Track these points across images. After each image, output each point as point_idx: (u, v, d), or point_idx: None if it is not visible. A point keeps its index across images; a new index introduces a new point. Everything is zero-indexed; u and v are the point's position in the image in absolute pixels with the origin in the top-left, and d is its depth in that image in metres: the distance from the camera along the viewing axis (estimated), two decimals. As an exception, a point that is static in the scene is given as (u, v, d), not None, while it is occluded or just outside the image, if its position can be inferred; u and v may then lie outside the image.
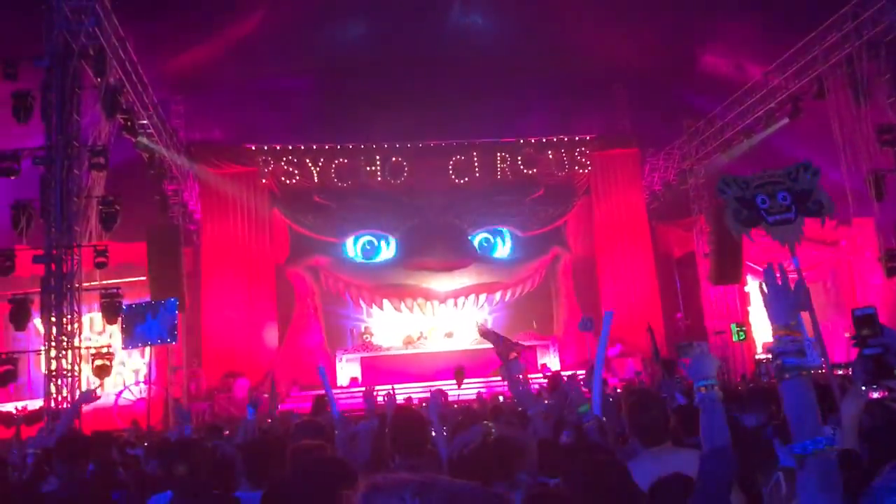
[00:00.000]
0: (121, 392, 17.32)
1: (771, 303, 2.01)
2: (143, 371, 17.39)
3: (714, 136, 20.16)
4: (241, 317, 19.88)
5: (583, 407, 3.79)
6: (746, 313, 20.79)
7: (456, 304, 21.71)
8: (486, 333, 15.47)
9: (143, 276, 16.87)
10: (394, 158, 21.57)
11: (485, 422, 2.64)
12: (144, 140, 16.08)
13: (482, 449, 2.34)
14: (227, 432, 7.37)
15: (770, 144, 18.90)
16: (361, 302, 21.55)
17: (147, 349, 14.07)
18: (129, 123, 14.32)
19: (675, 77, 21.72)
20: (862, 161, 14.63)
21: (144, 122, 15.99)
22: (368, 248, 21.81)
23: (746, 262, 19.83)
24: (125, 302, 13.50)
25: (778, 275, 2.02)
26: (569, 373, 14.29)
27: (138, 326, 13.53)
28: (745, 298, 20.96)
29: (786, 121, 17.24)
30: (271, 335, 20.60)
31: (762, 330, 19.99)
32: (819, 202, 4.18)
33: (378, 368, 20.06)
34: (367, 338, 20.96)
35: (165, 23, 17.47)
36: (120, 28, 13.90)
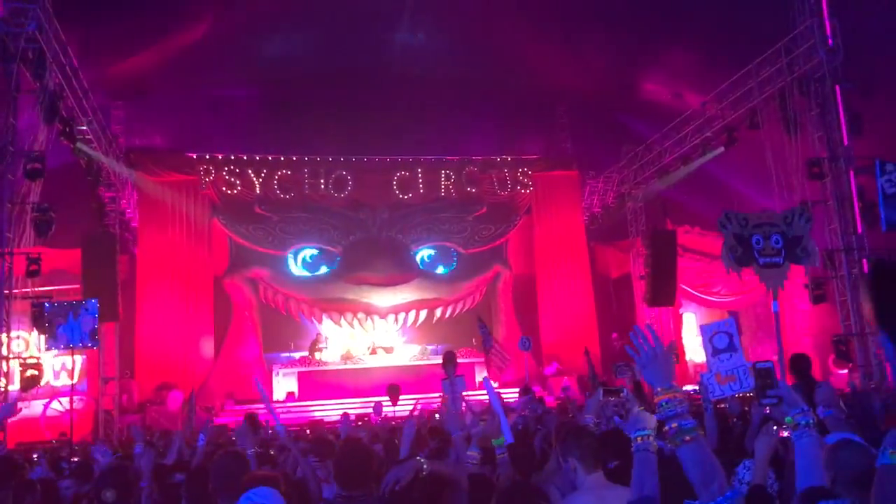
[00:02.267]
0: (49, 403, 16.81)
1: (647, 367, 2.00)
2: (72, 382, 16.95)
3: (652, 162, 20.67)
4: (176, 327, 19.52)
5: (497, 440, 3.80)
6: (680, 336, 21.29)
7: (397, 320, 21.72)
8: (482, 327, 15.60)
9: (78, 283, 16.50)
10: (338, 172, 21.53)
11: (417, 457, 2.68)
12: (82, 146, 15.75)
13: (413, 485, 2.39)
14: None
15: (706, 172, 19.47)
16: (301, 315, 21.38)
17: (77, 358, 13.80)
18: (67, 129, 14.03)
19: (617, 102, 22.23)
20: (792, 192, 15.16)
21: (83, 127, 15.67)
22: (310, 261, 21.69)
23: (681, 284, 20.35)
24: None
25: (650, 338, 2.01)
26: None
27: (60, 327, 13.23)
28: (679, 321, 21.48)
29: (721, 149, 17.78)
30: (207, 347, 20.28)
31: (695, 352, 20.50)
32: (807, 250, 4.38)
33: (316, 383, 19.93)
34: (322, 346, 20.77)
35: (109, 28, 17.15)
36: (61, 32, 13.62)
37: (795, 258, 4.39)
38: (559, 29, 20.06)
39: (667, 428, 1.92)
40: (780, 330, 18.18)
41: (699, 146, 18.57)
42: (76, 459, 7.28)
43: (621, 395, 3.99)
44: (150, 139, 21.32)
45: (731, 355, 2.78)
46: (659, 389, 1.96)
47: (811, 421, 2.32)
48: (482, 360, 21.04)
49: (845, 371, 15.68)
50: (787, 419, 2.33)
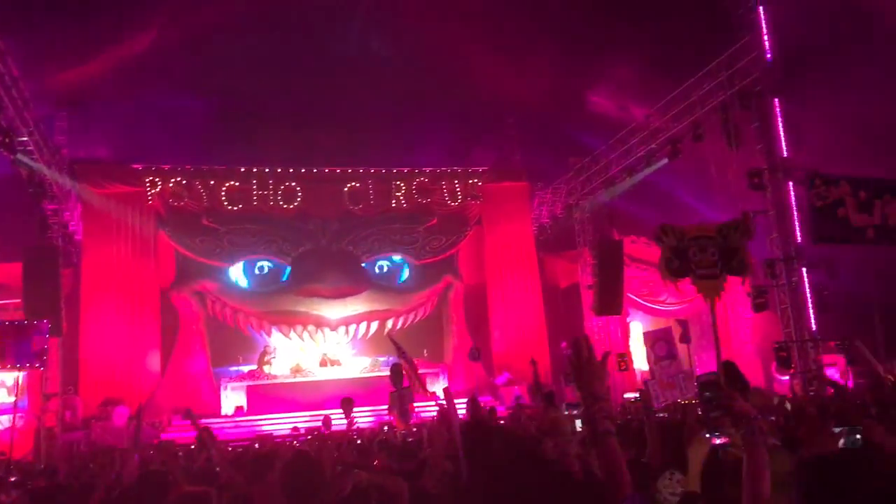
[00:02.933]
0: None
1: (577, 374, 2.13)
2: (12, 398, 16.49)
3: (599, 173, 20.98)
4: (122, 342, 19.14)
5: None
6: (627, 344, 21.60)
7: (347, 332, 21.61)
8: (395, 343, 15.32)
9: (18, 297, 16.08)
10: (287, 183, 21.38)
11: (355, 469, 2.70)
12: (23, 157, 15.39)
13: (353, 498, 2.41)
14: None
15: (652, 183, 19.84)
16: (250, 328, 21.13)
17: (19, 374, 13.43)
18: (6, 139, 13.69)
19: (565, 115, 22.55)
20: (735, 202, 15.53)
21: (24, 138, 15.29)
22: (259, 273, 21.46)
23: (628, 294, 20.66)
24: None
25: (584, 349, 2.15)
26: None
27: (6, 347, 12.87)
28: (626, 329, 21.79)
29: (665, 161, 18.14)
30: (154, 361, 19.91)
31: (643, 361, 20.79)
32: (743, 262, 4.51)
33: (265, 397, 19.72)
34: (270, 359, 20.55)
35: (51, 37, 16.83)
36: (0, 41, 13.32)
37: (731, 270, 4.54)
38: (508, 42, 20.31)
39: (589, 430, 2.08)
40: (724, 338, 18.64)
41: (644, 158, 18.92)
42: (13, 479, 7.09)
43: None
44: (95, 150, 20.91)
45: (670, 362, 2.86)
46: (583, 395, 2.09)
47: (755, 429, 2.37)
48: (437, 369, 21.11)
49: (787, 377, 16.07)
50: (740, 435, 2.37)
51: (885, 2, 15.37)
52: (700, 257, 4.52)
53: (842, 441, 3.16)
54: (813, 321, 14.63)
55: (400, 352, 12.44)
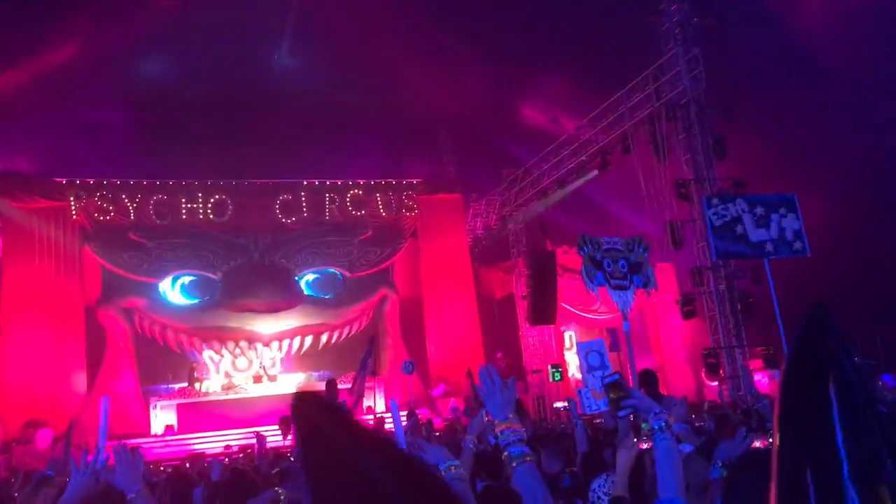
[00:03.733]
0: None
1: (489, 400, 2.18)
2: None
3: (531, 185, 21.20)
4: (45, 361, 18.44)
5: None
6: (562, 353, 21.84)
7: (281, 347, 21.30)
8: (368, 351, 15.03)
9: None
10: (217, 196, 21.00)
11: (276, 488, 2.65)
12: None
13: None
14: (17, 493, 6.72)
15: (583, 194, 20.16)
16: (179, 346, 20.64)
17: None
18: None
19: (497, 127, 22.77)
20: (663, 211, 15.89)
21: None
22: (188, 288, 20.98)
23: (562, 303, 20.88)
24: None
25: (491, 376, 2.20)
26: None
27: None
28: (560, 339, 22.03)
29: (595, 173, 18.44)
30: (80, 381, 19.24)
31: (577, 370, 21.04)
32: (647, 276, 4.62)
33: (197, 415, 19.26)
34: (201, 376, 20.08)
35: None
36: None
37: (639, 283, 4.69)
38: (439, 55, 20.41)
39: (505, 454, 2.12)
40: (656, 345, 19.01)
41: (575, 169, 19.20)
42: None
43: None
44: (16, 163, 20.22)
45: (603, 372, 2.92)
46: (497, 421, 2.13)
47: (665, 423, 2.42)
48: (372, 383, 20.91)
49: (716, 383, 16.47)
50: (644, 426, 2.43)
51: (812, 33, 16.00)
52: (613, 269, 4.66)
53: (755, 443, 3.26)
54: (740, 328, 15.03)
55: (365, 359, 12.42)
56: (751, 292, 14.90)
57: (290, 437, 10.05)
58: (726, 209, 13.78)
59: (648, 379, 6.52)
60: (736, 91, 17.06)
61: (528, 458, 2.09)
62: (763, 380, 17.00)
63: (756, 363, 15.81)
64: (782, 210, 13.66)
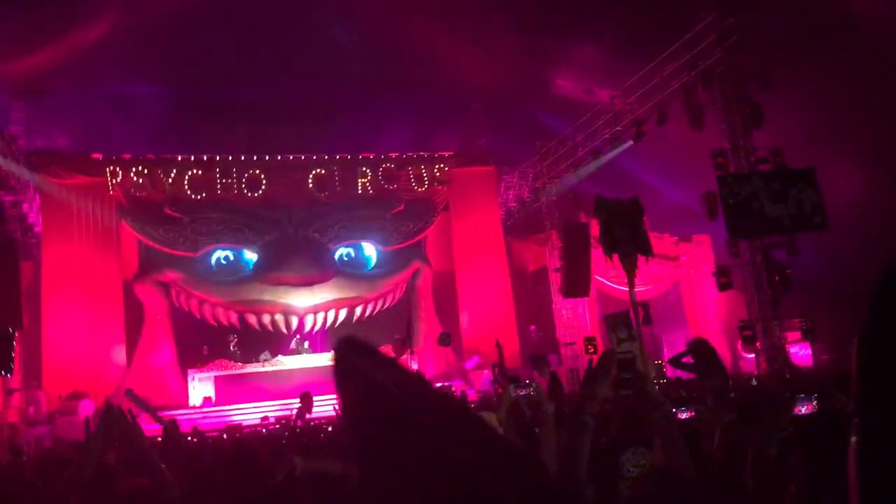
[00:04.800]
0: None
1: (590, 377, 2.31)
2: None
3: (565, 156, 21.00)
4: (85, 335, 18.84)
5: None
6: (596, 326, 21.73)
7: (316, 320, 21.48)
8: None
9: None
10: (251, 171, 21.13)
11: (296, 457, 2.66)
12: (-23, 148, 15.03)
13: (285, 484, 2.35)
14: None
15: (618, 165, 19.93)
16: (215, 319, 20.90)
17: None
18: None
19: (530, 98, 22.54)
20: (699, 182, 15.65)
21: (-23, 128, 14.93)
22: (224, 262, 21.22)
23: (595, 276, 20.76)
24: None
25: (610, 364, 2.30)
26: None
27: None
28: (594, 311, 21.91)
29: (630, 143, 18.22)
30: (119, 354, 19.63)
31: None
32: (644, 243, 4.54)
33: (233, 387, 19.55)
34: (237, 349, 20.35)
35: (3, 26, 16.40)
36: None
37: (639, 248, 4.60)
38: (471, 26, 20.20)
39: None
40: (691, 317, 18.85)
41: (609, 140, 18.98)
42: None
43: (530, 389, 4.02)
44: (54, 140, 20.52)
45: (630, 344, 2.89)
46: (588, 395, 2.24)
47: (669, 412, 2.44)
48: (406, 355, 21.05)
49: (752, 355, 16.30)
50: (651, 417, 2.41)
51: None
52: (621, 233, 4.57)
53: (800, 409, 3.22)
54: (776, 300, 14.81)
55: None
56: (788, 263, 14.66)
57: (310, 413, 10.14)
58: (741, 187, 13.59)
59: (700, 349, 6.33)
60: (773, 59, 16.67)
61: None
62: (799, 352, 16.81)
63: (793, 335, 15.61)
64: (800, 185, 13.43)
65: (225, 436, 10.57)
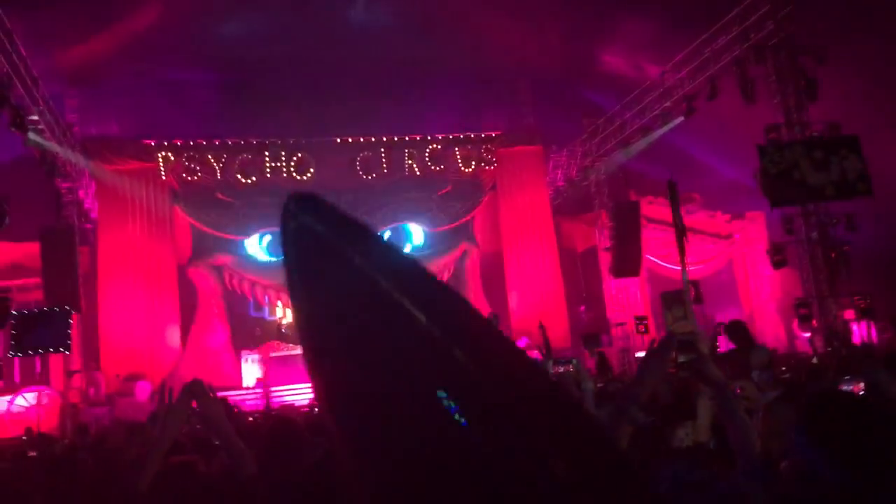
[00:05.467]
0: (13, 399, 16.53)
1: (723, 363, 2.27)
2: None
3: (614, 134, 20.72)
4: (141, 317, 19.27)
5: None
6: (648, 305, 21.48)
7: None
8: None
9: (37, 276, 16.23)
10: (299, 154, 21.28)
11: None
12: (35, 136, 15.39)
13: (325, 461, 2.36)
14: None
15: (668, 142, 19.59)
16: (267, 300, 21.21)
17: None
18: (17, 120, 13.67)
19: (577, 75, 22.25)
20: (752, 158, 15.31)
21: (35, 117, 15.26)
22: (273, 245, 21.47)
23: (646, 255, 20.51)
24: (16, 307, 12.96)
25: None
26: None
27: (28, 334, 13.03)
28: (645, 291, 21.66)
29: (681, 119, 17.87)
30: (174, 336, 20.05)
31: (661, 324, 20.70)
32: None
33: (285, 369, 19.80)
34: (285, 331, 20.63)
35: (56, 14, 16.74)
36: (6, 20, 13.25)
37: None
38: (516, 3, 19.97)
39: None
40: (745, 296, 18.46)
41: (659, 117, 18.65)
42: (34, 454, 7.16)
43: (570, 366, 3.99)
44: (107, 127, 20.88)
45: (685, 323, 2.82)
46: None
47: (732, 394, 2.42)
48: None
49: (808, 334, 15.95)
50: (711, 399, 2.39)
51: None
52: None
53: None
54: (833, 277, 14.45)
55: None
56: (846, 240, 14.27)
57: None
58: (782, 156, 13.25)
59: (737, 330, 6.28)
60: (827, 31, 16.17)
61: None
62: (857, 330, 16.38)
63: (850, 313, 15.21)
64: (843, 152, 13.03)
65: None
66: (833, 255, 14.33)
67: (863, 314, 14.35)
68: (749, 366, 5.45)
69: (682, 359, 2.32)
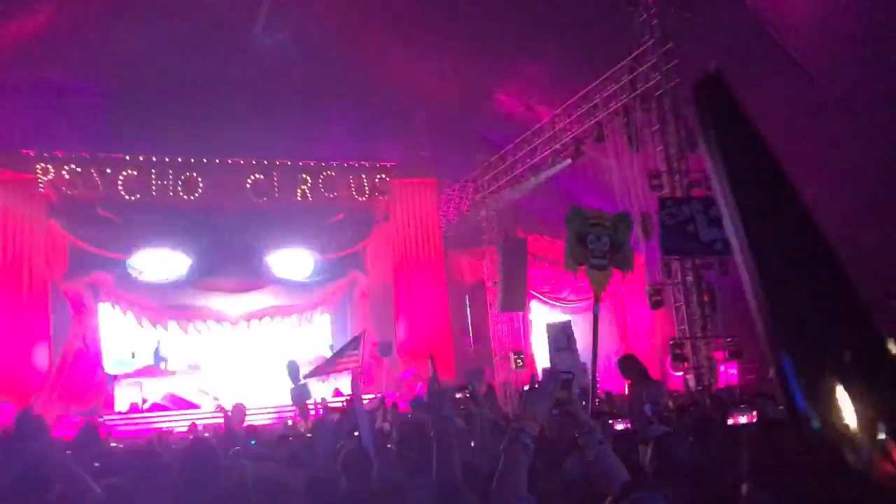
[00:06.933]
0: None
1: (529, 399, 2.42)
2: None
3: (505, 172, 21.19)
4: (7, 336, 18.19)
5: None
6: (529, 341, 21.94)
7: (249, 327, 21.18)
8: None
9: None
10: (188, 173, 20.76)
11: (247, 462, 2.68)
12: None
13: (236, 488, 2.37)
14: None
15: (556, 182, 20.21)
16: (145, 322, 20.43)
17: None
18: None
19: (473, 111, 22.69)
20: (634, 203, 15.99)
21: None
22: (157, 266, 20.76)
23: (530, 290, 21.00)
24: None
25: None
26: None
27: None
28: (528, 326, 22.13)
29: (569, 161, 18.49)
30: (43, 357, 18.98)
31: (543, 356, 21.16)
32: (626, 257, 4.62)
33: (162, 393, 19.14)
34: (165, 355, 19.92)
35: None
36: None
37: (616, 263, 4.67)
38: (417, 37, 20.26)
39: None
40: (622, 334, 19.12)
41: (549, 157, 19.23)
42: None
43: (466, 392, 4.09)
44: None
45: (569, 354, 2.94)
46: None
47: (599, 438, 2.55)
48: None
49: (681, 373, 16.65)
50: (579, 440, 2.51)
51: (790, 21, 16.05)
52: (595, 246, 4.62)
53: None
54: (706, 319, 15.19)
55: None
56: (717, 284, 15.06)
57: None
58: (679, 210, 14.04)
59: (630, 365, 6.51)
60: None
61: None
62: (727, 371, 17.23)
63: (719, 354, 15.99)
64: None
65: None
66: (705, 298, 15.09)
67: (731, 355, 15.13)
68: (642, 400, 5.68)
69: (559, 396, 2.43)
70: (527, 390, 2.59)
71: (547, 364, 2.83)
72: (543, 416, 2.34)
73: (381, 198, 22.76)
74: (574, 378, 2.51)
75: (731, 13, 15.96)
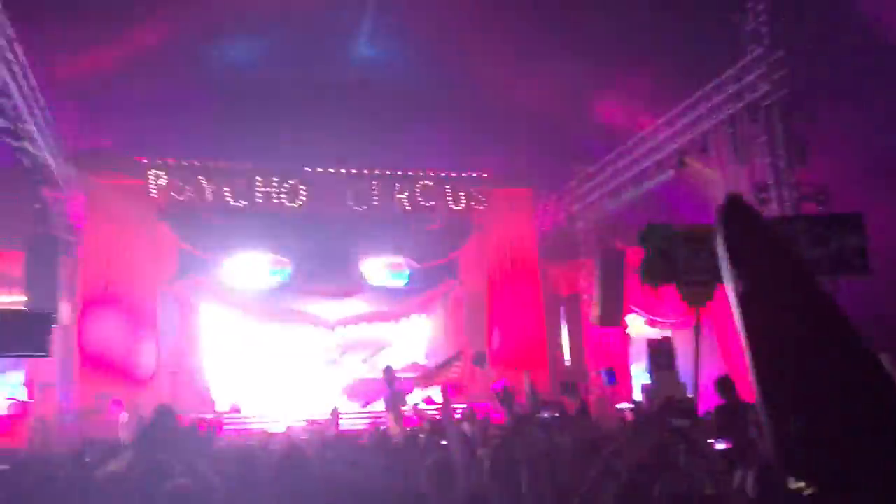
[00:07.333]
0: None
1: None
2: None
3: (603, 183, 20.84)
4: (119, 334, 19.05)
5: None
6: (627, 355, 21.44)
7: (345, 331, 21.55)
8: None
9: (17, 286, 16.06)
10: (291, 181, 21.30)
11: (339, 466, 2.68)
12: (27, 145, 15.32)
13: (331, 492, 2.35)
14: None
15: (657, 194, 19.72)
16: (247, 325, 21.07)
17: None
18: (12, 128, 13.63)
19: (572, 121, 22.40)
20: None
21: (30, 126, 15.21)
22: (258, 270, 21.38)
23: (630, 305, 20.53)
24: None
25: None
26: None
27: (7, 335, 12.78)
28: (626, 341, 21.65)
29: (671, 173, 18.02)
30: (149, 355, 19.80)
31: (639, 374, 20.66)
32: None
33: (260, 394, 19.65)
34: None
35: (61, 25, 16.75)
36: (10, 27, 13.25)
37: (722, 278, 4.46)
38: (516, 46, 20.17)
39: None
40: (724, 351, 18.47)
41: (650, 169, 18.80)
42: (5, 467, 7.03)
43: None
44: (100, 141, 20.81)
45: (669, 373, 2.80)
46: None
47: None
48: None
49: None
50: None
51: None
52: (690, 262, 4.39)
53: None
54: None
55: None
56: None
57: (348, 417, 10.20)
58: (783, 228, 13.37)
59: (725, 386, 6.27)
60: (822, 95, 16.39)
61: None
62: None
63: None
64: (844, 229, 13.18)
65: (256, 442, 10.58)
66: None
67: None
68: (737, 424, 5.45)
69: (675, 423, 2.33)
70: (636, 420, 2.50)
71: (646, 381, 2.74)
72: (651, 444, 2.25)
73: (476, 207, 22.76)
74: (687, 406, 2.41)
75: (846, 22, 15.25)
